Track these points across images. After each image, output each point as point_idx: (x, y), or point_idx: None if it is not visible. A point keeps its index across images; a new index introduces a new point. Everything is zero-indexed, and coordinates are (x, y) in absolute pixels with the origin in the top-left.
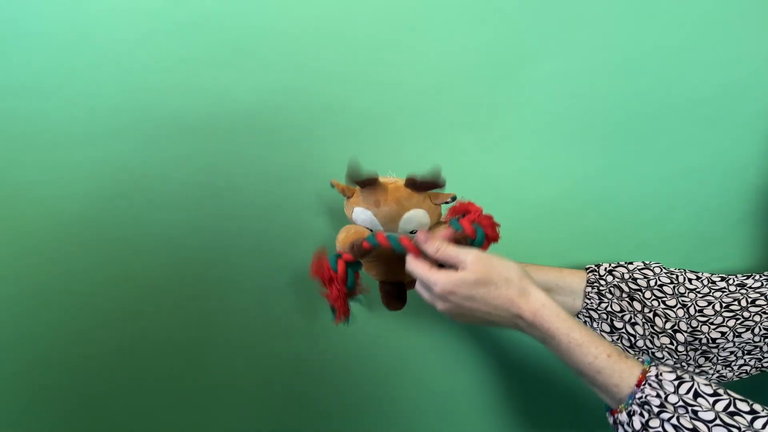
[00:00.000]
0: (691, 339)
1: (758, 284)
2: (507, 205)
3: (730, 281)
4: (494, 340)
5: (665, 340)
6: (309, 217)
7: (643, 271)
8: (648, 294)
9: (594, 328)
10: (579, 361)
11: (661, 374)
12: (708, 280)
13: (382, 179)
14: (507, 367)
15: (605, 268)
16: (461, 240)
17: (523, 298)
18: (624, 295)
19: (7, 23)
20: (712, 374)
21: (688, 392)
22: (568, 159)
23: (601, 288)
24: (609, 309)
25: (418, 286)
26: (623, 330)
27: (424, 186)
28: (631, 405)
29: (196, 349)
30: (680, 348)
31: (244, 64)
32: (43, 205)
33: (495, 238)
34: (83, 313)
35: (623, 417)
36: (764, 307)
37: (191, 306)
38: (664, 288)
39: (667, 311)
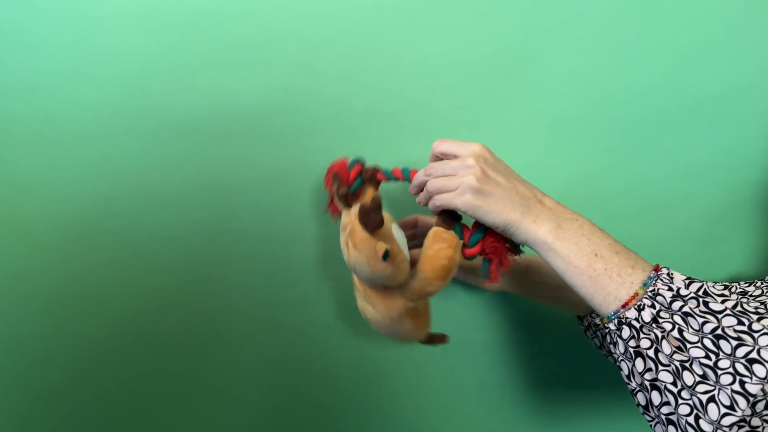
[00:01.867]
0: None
1: (759, 292)
2: None
3: (732, 289)
4: (498, 336)
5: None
6: (311, 218)
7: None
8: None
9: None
10: (599, 243)
11: (671, 273)
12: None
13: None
14: (511, 365)
15: None
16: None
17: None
18: None
19: (8, 24)
20: None
21: (698, 290)
22: (572, 158)
23: None
24: None
25: (438, 179)
26: None
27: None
28: (645, 291)
29: (197, 350)
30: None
31: (246, 65)
32: (44, 206)
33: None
34: (85, 313)
35: (631, 313)
36: (764, 315)
37: (193, 306)
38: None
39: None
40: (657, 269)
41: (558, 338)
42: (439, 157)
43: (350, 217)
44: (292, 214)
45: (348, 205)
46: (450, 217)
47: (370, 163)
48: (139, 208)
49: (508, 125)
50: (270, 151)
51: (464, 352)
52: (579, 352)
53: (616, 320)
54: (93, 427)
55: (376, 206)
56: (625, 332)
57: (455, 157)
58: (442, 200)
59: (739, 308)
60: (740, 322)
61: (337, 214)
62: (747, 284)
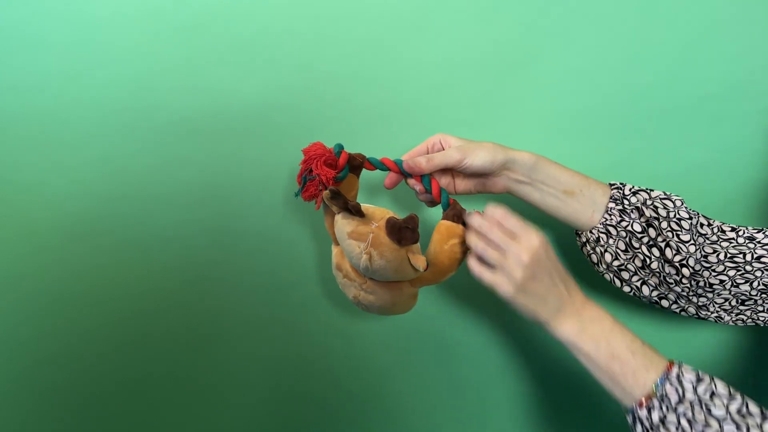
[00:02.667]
0: (694, 281)
1: (767, 240)
2: (511, 202)
3: (740, 233)
4: (501, 338)
5: (671, 270)
6: (314, 217)
7: (663, 200)
8: (665, 224)
9: (609, 245)
10: (618, 344)
11: (682, 373)
12: (718, 229)
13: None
14: (514, 366)
15: (630, 189)
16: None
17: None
18: (642, 219)
19: (11, 24)
20: (712, 313)
21: (705, 392)
22: (574, 156)
23: (625, 206)
24: (630, 228)
25: (476, 255)
26: (639, 250)
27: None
28: (656, 393)
29: (199, 349)
30: (684, 281)
31: (248, 64)
32: (47, 206)
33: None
34: (87, 312)
35: (643, 413)
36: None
37: (195, 306)
38: (682, 222)
39: (680, 245)
40: (669, 368)
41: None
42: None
43: (367, 227)
44: (293, 213)
45: (353, 212)
46: (459, 213)
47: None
48: (140, 208)
49: (509, 123)
50: (271, 151)
51: (466, 352)
52: None
53: (630, 416)
54: (96, 426)
55: (415, 226)
56: (638, 428)
57: (513, 235)
58: (478, 272)
59: (743, 410)
60: (738, 428)
61: (320, 200)
62: (756, 230)
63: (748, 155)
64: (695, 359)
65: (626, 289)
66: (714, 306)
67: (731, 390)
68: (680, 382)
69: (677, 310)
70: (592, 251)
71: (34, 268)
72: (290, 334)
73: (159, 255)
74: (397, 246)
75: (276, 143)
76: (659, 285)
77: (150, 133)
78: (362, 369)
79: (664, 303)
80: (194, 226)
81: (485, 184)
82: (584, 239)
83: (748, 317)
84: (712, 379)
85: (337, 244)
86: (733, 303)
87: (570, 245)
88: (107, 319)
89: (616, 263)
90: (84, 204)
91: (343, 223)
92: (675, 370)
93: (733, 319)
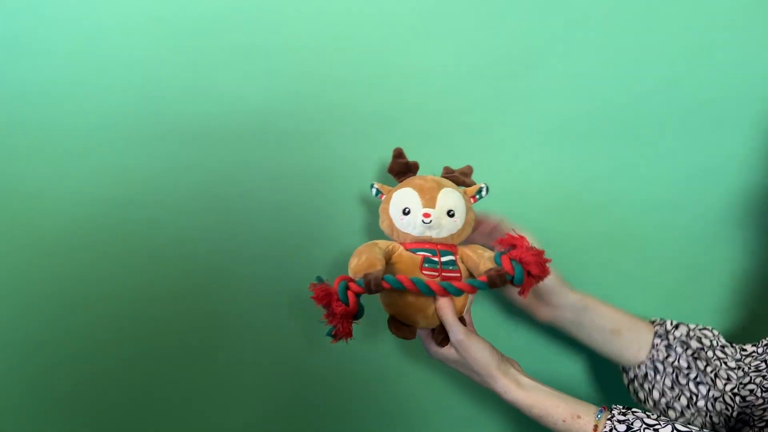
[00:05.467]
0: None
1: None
2: (514, 206)
3: (759, 345)
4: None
5: (721, 406)
6: (319, 222)
7: (702, 331)
8: (711, 353)
9: (657, 381)
10: (546, 426)
11: (614, 427)
12: (740, 349)
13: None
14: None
15: (671, 323)
16: (501, 277)
17: (490, 380)
18: (689, 352)
19: (17, 32)
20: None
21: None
22: (575, 161)
23: (670, 341)
24: (676, 364)
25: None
26: (686, 386)
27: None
28: None
29: (206, 354)
30: (734, 414)
31: (253, 70)
32: (53, 212)
33: (541, 275)
34: (93, 318)
35: None
36: None
37: (202, 311)
38: (726, 349)
39: (730, 372)
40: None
41: (564, 342)
42: None
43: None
44: (298, 218)
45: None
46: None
47: (377, 166)
48: (146, 214)
49: (511, 129)
50: (276, 156)
51: None
52: (585, 355)
53: None
54: (101, 428)
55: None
56: None
57: None
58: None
59: None
60: None
61: (347, 336)
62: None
63: (748, 160)
64: None
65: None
66: (755, 420)
67: (656, 420)
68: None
69: None
70: (639, 388)
71: (39, 274)
72: (296, 340)
73: (164, 260)
74: None
75: (281, 149)
76: (703, 426)
77: (155, 139)
78: (365, 373)
79: None
80: (199, 232)
81: (532, 307)
82: (632, 375)
83: None
84: (642, 420)
85: None
86: None
87: None
88: (112, 323)
89: (663, 400)
90: (89, 210)
91: None
92: (607, 426)
93: None
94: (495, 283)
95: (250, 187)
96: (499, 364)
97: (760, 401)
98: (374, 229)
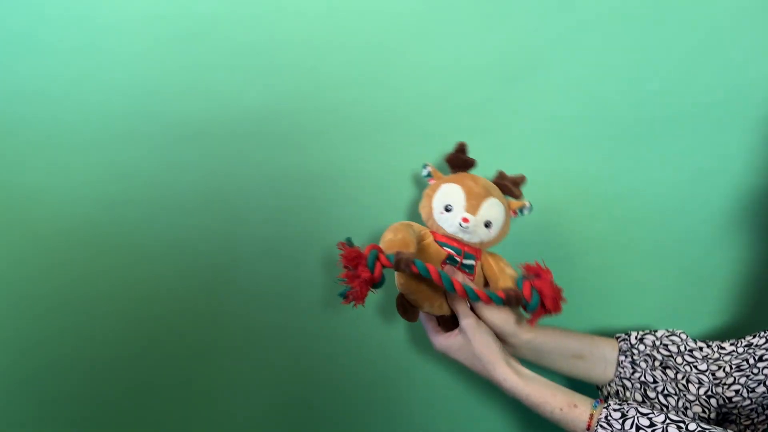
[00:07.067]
0: (713, 398)
1: (763, 341)
2: None
3: (739, 344)
4: None
5: (697, 409)
6: (319, 221)
7: (670, 338)
8: (680, 359)
9: (627, 397)
10: (543, 415)
11: (609, 414)
12: (718, 347)
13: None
14: None
15: (635, 336)
16: (518, 299)
17: (491, 366)
18: (657, 363)
19: (17, 30)
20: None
21: (631, 426)
22: (578, 162)
23: (635, 357)
24: (642, 379)
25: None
26: (656, 400)
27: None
28: None
29: (205, 353)
30: (713, 416)
31: (252, 69)
32: (52, 210)
33: (553, 311)
34: (92, 317)
35: None
36: None
37: (200, 310)
38: (694, 353)
39: (700, 376)
40: (589, 426)
41: None
42: None
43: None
44: (298, 217)
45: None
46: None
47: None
48: (145, 212)
49: (512, 130)
50: (276, 155)
51: None
52: None
53: None
54: (101, 428)
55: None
56: None
57: None
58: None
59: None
60: None
61: (361, 301)
62: (752, 336)
63: (752, 162)
64: None
65: None
66: (741, 419)
67: (649, 415)
68: (609, 423)
69: None
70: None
71: (38, 271)
72: (295, 338)
73: (163, 259)
74: None
75: (280, 148)
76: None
77: (154, 137)
78: (367, 374)
79: None
80: (198, 231)
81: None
82: (605, 393)
83: None
84: (636, 410)
85: None
86: (759, 410)
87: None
88: (110, 323)
89: None
90: (88, 208)
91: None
92: (603, 413)
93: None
94: (510, 303)
95: (250, 186)
96: (501, 353)
97: (748, 402)
98: (375, 230)
